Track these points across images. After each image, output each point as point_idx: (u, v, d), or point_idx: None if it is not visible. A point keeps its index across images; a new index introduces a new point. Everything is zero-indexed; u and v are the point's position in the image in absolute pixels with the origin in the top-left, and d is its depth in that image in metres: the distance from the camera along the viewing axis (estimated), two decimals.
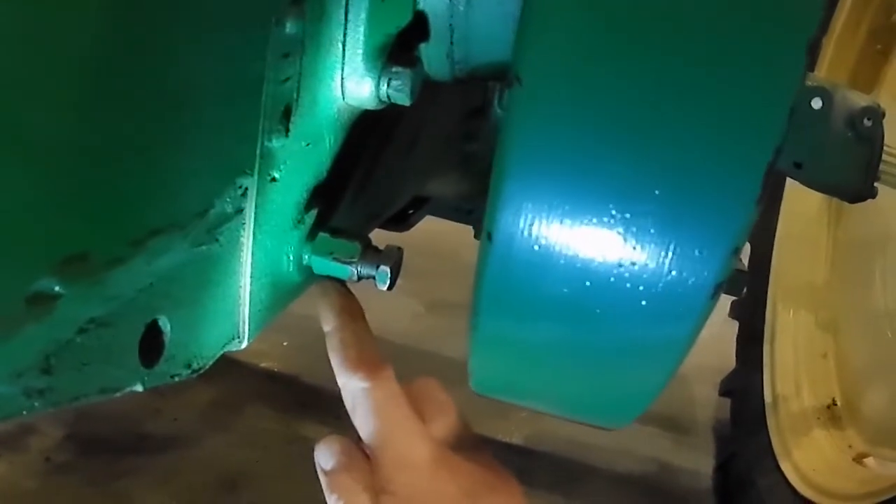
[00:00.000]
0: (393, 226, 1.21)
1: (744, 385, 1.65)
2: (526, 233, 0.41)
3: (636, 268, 0.41)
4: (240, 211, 0.50)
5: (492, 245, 0.42)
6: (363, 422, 0.55)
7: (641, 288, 0.42)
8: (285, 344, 1.82)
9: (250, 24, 0.47)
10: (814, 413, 1.54)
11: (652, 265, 0.41)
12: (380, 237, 0.93)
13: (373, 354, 0.56)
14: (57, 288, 0.36)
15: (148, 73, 0.39)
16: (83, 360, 0.39)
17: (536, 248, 0.41)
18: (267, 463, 1.49)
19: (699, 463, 1.68)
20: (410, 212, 1.24)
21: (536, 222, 0.41)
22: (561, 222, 0.41)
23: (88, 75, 0.36)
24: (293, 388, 1.70)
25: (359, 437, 0.56)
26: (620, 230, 0.40)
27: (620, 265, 0.41)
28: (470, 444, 0.58)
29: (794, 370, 1.61)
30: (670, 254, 0.41)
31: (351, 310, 0.58)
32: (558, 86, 0.41)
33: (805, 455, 1.48)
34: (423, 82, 0.59)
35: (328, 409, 1.43)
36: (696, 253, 0.41)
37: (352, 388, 0.55)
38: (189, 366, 0.49)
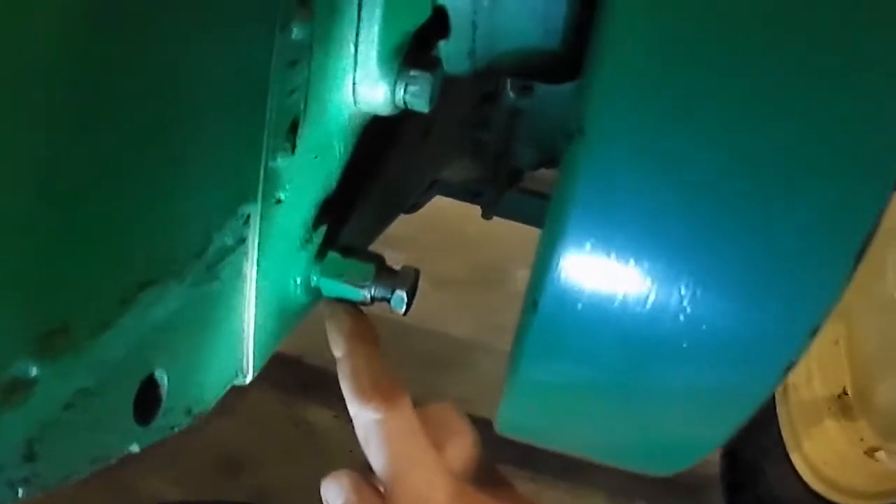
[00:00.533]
0: None
1: None
2: (578, 303, 0.36)
3: (701, 343, 0.36)
4: (242, 241, 0.45)
5: (536, 315, 0.37)
6: (376, 455, 0.50)
7: (704, 364, 0.37)
8: None
9: (251, 30, 0.41)
10: (824, 402, 1.52)
11: (719, 342, 0.36)
12: None
13: (387, 382, 0.51)
14: (35, 370, 0.31)
15: (131, 97, 0.34)
16: (70, 437, 0.35)
17: (587, 320, 0.36)
18: (269, 446, 1.47)
19: None
20: None
21: (590, 291, 0.36)
22: (617, 291, 0.36)
23: (56, 101, 0.29)
24: (296, 370, 1.66)
25: (370, 470, 0.52)
26: (686, 310, 0.35)
27: (683, 339, 0.36)
28: (492, 479, 0.54)
29: (805, 357, 1.58)
30: (741, 329, 0.36)
31: (363, 334, 0.53)
32: (631, 143, 0.35)
33: (816, 446, 1.45)
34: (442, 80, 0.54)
35: (332, 391, 1.40)
36: (772, 331, 0.36)
37: (364, 419, 0.51)
38: (190, 412, 0.45)
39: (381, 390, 0.51)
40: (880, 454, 1.39)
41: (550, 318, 0.36)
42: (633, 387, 0.39)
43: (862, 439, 1.44)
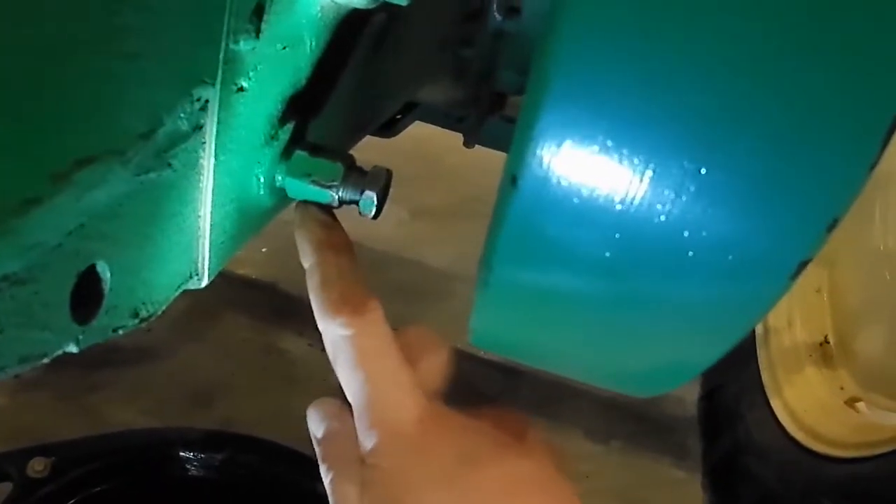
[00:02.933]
0: (380, 131, 1.13)
1: None
2: (564, 180, 0.31)
3: (704, 234, 0.32)
4: (198, 128, 0.41)
5: (516, 191, 0.32)
6: (345, 374, 0.46)
7: (708, 260, 0.32)
8: (264, 250, 1.75)
9: None
10: (805, 350, 1.50)
11: (725, 233, 0.32)
12: (364, 142, 0.85)
13: (359, 295, 0.47)
14: None
15: None
16: None
17: (575, 200, 0.32)
18: (242, 376, 1.44)
19: (685, 390, 1.65)
20: (398, 117, 1.17)
21: (579, 166, 0.31)
22: (611, 170, 0.31)
23: None
24: (271, 296, 1.64)
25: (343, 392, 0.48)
26: (691, 187, 0.31)
27: (686, 229, 0.32)
28: (471, 395, 0.50)
29: (787, 302, 1.56)
30: (750, 221, 0.31)
31: (334, 242, 0.49)
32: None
33: (796, 393, 1.44)
34: None
35: (306, 319, 1.38)
36: (785, 224, 0.32)
37: (332, 335, 0.46)
38: (136, 314, 0.41)
39: (351, 303, 0.47)
40: (861, 405, 1.38)
41: (531, 198, 0.32)
42: (621, 294, 0.35)
43: (842, 388, 1.43)
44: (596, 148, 0.31)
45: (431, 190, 1.78)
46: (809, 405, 1.44)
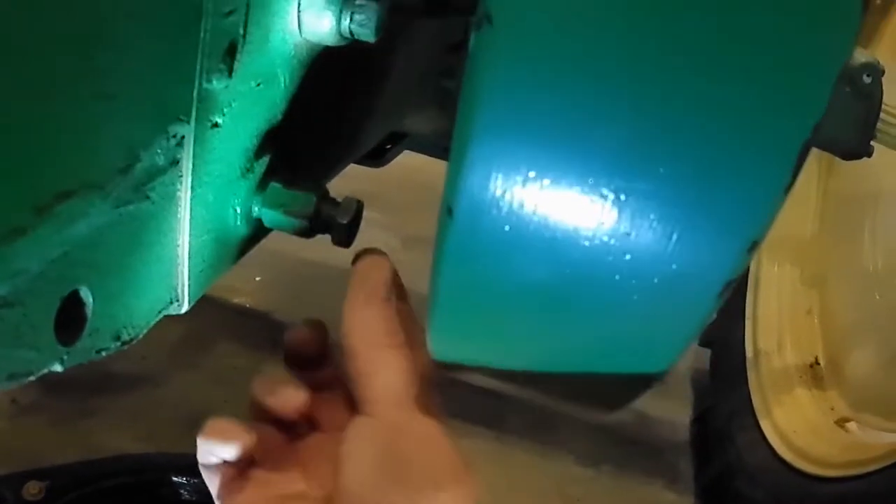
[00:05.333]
0: (369, 161, 1.16)
1: (724, 336, 1.62)
2: (494, 209, 0.34)
3: (628, 258, 0.34)
4: (175, 162, 0.44)
5: (452, 222, 0.35)
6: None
7: (634, 282, 0.35)
8: (258, 279, 1.77)
9: None
10: (796, 371, 1.51)
11: (648, 256, 0.34)
12: (356, 172, 0.88)
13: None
14: None
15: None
16: None
17: (507, 227, 0.34)
18: (236, 403, 1.45)
19: (676, 413, 1.66)
20: (387, 147, 1.20)
21: (508, 196, 0.33)
22: (538, 197, 0.33)
23: None
24: (264, 325, 1.65)
25: None
26: (612, 212, 0.33)
27: (609, 254, 0.34)
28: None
29: (777, 324, 1.58)
30: (672, 245, 0.34)
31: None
32: (541, 27, 0.33)
33: (786, 414, 1.45)
34: (390, 11, 0.52)
35: None
36: (705, 247, 0.34)
37: None
38: (118, 338, 0.44)
39: None
40: (851, 425, 1.39)
41: (466, 226, 0.35)
42: (560, 311, 0.37)
43: (833, 409, 1.44)
44: (520, 178, 0.33)
45: (423, 219, 1.80)
46: (800, 426, 1.45)
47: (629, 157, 0.33)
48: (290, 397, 0.51)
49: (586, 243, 0.34)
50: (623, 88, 0.32)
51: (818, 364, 1.53)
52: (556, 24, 0.33)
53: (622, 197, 0.33)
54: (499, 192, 0.34)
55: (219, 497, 0.50)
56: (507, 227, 0.34)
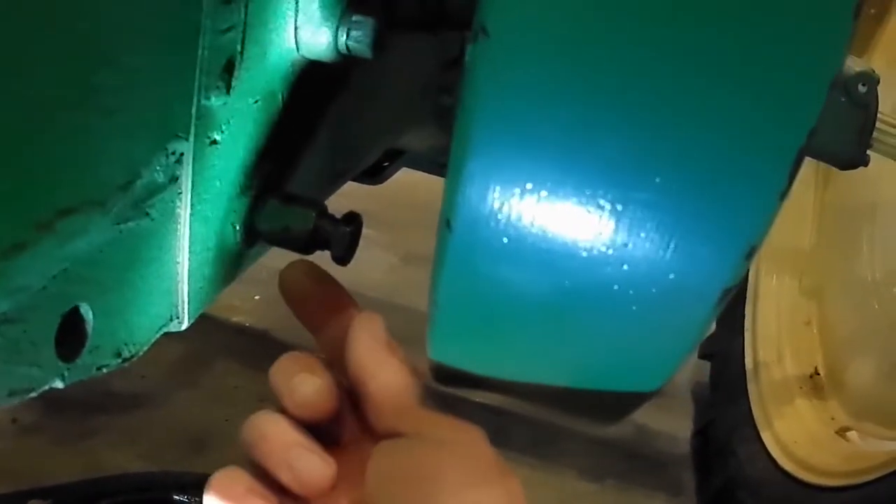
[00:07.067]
0: (367, 179, 1.17)
1: (724, 348, 1.62)
2: (493, 221, 0.34)
3: (626, 268, 0.35)
4: (174, 179, 0.44)
5: (451, 235, 0.35)
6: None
7: (632, 292, 0.35)
8: (257, 298, 1.77)
9: None
10: (796, 382, 1.51)
11: (646, 266, 0.34)
12: (355, 190, 0.88)
13: None
14: None
15: (55, 18, 0.33)
16: None
17: (505, 239, 0.34)
18: (236, 422, 1.44)
19: (677, 427, 1.66)
20: (385, 164, 1.20)
21: (506, 208, 0.34)
22: (536, 209, 0.34)
23: None
24: (264, 344, 1.65)
25: None
26: (609, 222, 0.33)
27: (607, 264, 0.34)
28: None
29: (777, 336, 1.58)
30: (670, 253, 0.34)
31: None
32: (536, 38, 0.33)
33: (786, 425, 1.45)
34: (386, 27, 0.53)
35: None
36: (703, 254, 0.34)
37: None
38: (119, 354, 0.44)
39: None
40: (852, 434, 1.39)
41: (464, 239, 0.35)
42: (560, 321, 0.38)
43: (833, 419, 1.44)
44: (518, 191, 0.34)
45: (422, 236, 1.80)
46: (800, 437, 1.45)
47: (625, 168, 0.33)
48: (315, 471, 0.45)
49: (584, 254, 0.34)
50: (618, 99, 0.33)
51: (818, 374, 1.53)
52: (551, 35, 0.33)
53: (619, 207, 0.33)
54: (497, 205, 0.34)
55: None
56: (505, 239, 0.34)
